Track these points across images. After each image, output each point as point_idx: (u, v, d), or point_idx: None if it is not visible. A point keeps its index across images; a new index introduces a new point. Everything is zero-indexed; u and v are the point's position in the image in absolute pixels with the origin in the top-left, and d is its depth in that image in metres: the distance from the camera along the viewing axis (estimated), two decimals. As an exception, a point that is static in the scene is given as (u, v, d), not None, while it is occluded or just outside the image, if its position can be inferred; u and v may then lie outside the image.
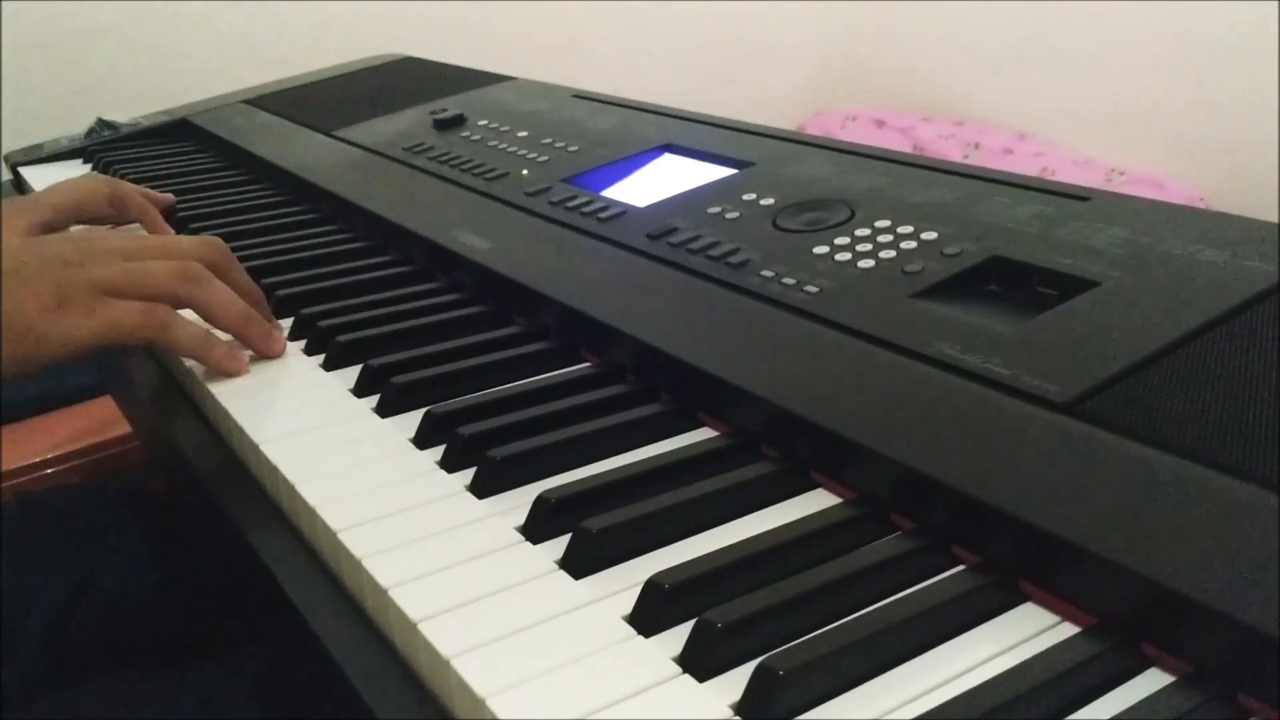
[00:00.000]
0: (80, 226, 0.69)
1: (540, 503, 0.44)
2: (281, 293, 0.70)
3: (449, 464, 0.49)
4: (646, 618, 0.38)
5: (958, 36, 2.51)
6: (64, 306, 0.54)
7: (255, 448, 0.52)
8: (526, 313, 0.65)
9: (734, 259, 0.60)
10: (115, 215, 0.77)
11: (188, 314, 0.60)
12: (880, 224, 0.61)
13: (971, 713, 0.33)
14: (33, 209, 0.66)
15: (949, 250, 0.56)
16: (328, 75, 1.35)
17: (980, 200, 0.61)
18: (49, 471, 1.02)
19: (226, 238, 0.82)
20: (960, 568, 0.40)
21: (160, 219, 0.81)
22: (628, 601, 0.39)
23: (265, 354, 0.62)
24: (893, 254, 0.57)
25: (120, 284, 0.56)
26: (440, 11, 2.21)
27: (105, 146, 1.19)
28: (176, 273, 0.58)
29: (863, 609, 0.38)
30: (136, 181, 1.01)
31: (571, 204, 0.73)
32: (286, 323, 0.67)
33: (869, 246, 0.59)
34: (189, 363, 0.62)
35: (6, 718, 0.63)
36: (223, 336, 0.61)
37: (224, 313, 0.60)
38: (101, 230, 0.62)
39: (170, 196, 0.82)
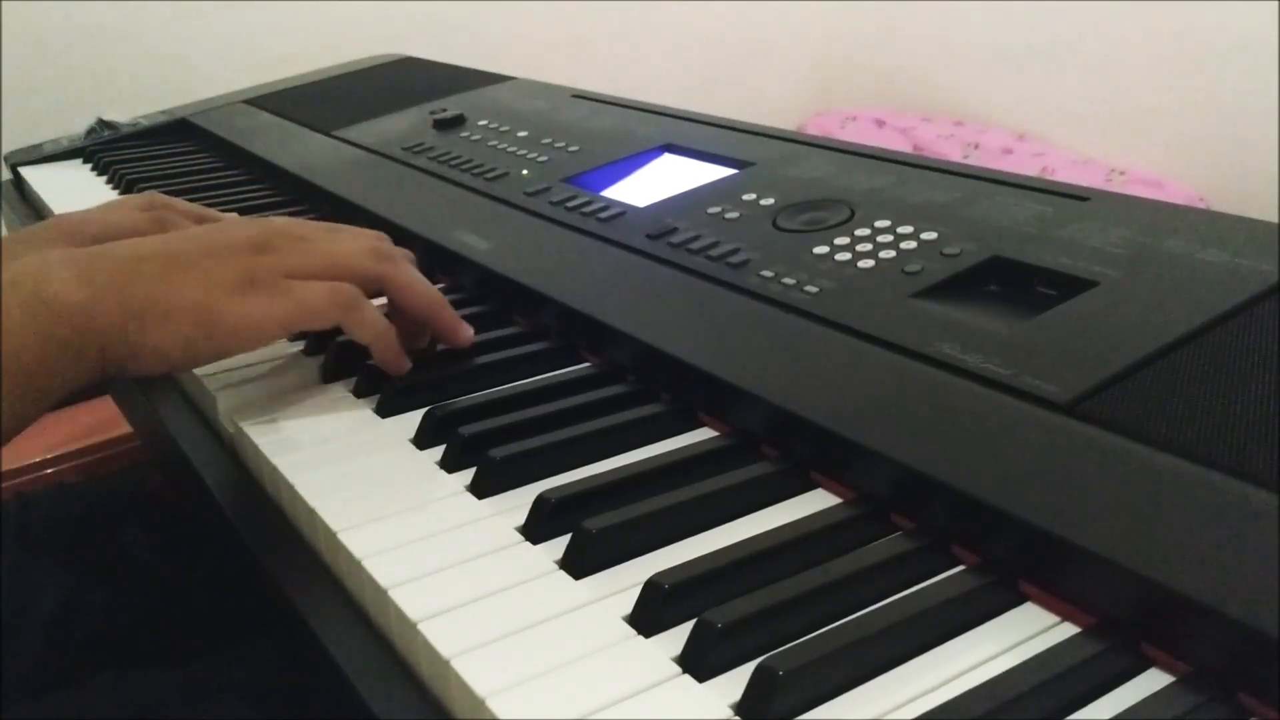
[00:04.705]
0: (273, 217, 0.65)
1: (540, 503, 0.44)
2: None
3: (449, 464, 0.49)
4: (646, 618, 0.38)
5: (958, 36, 2.51)
6: (250, 289, 0.52)
7: (255, 448, 0.52)
8: (526, 313, 0.65)
9: (734, 259, 0.60)
10: None
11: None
12: (880, 224, 0.61)
13: (971, 713, 0.33)
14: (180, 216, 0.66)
15: (949, 250, 0.56)
16: (328, 75, 1.34)
17: (980, 200, 0.61)
18: (49, 471, 1.02)
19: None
20: (960, 568, 0.40)
21: None
22: (628, 601, 0.39)
23: (455, 343, 0.59)
24: (893, 254, 0.57)
25: (309, 268, 0.54)
26: (440, 11, 2.21)
27: (105, 146, 1.19)
28: (369, 251, 0.55)
29: (863, 609, 0.38)
30: (135, 182, 1.01)
31: (571, 204, 0.73)
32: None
33: (869, 246, 0.58)
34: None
35: (7, 717, 0.63)
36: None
37: (417, 293, 0.56)
38: (282, 219, 0.60)
39: None
